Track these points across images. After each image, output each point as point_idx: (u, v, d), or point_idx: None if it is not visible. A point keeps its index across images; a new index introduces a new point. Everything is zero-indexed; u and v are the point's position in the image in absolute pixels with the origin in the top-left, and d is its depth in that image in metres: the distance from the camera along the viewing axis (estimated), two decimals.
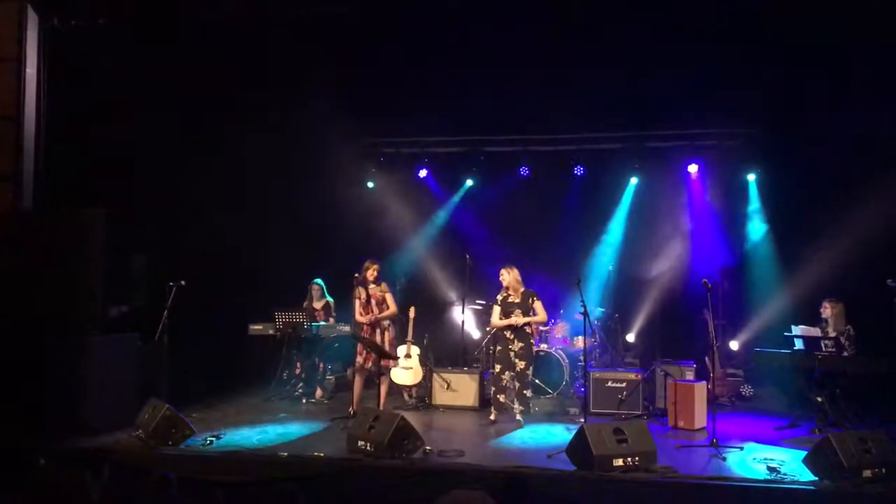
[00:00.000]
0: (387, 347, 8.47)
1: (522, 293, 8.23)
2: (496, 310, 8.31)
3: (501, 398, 8.17)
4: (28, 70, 8.23)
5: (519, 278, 8.25)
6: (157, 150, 9.30)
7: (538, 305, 8.19)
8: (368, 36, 8.91)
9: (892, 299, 7.16)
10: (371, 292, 8.55)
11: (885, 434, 6.06)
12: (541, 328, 10.17)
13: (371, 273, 8.56)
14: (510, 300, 8.24)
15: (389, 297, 8.64)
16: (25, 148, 8.23)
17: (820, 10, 7.95)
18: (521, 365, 8.11)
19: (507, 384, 8.14)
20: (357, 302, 8.56)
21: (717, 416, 7.24)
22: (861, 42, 8.16)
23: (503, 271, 8.27)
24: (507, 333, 8.19)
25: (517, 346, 8.13)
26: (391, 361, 8.62)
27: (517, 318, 8.10)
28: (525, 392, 8.19)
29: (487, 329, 9.01)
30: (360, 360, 8.40)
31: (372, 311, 8.48)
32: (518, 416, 8.08)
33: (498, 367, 8.19)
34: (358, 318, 8.57)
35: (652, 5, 8.39)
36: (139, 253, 9.14)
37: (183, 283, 8.11)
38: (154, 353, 7.99)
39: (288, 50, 8.74)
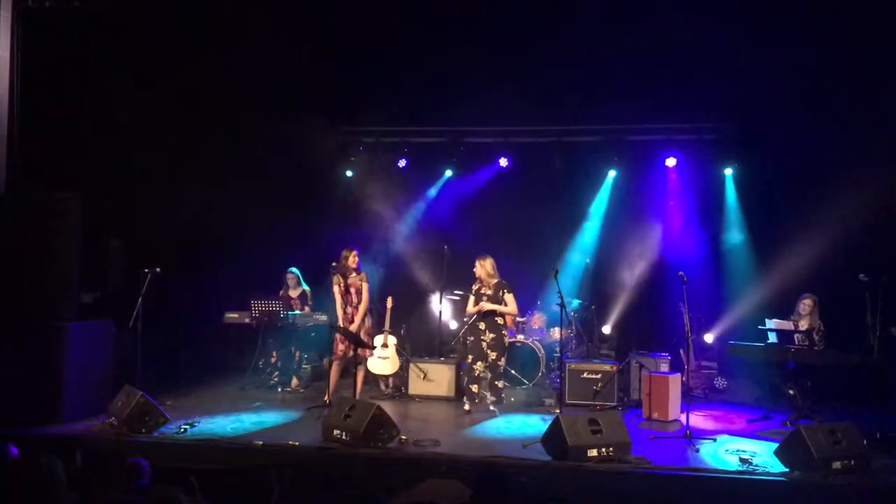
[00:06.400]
0: (364, 337, 8.44)
1: (495, 284, 8.25)
2: (470, 300, 8.39)
3: (475, 388, 8.20)
4: (1, 52, 8.08)
5: (490, 270, 8.27)
6: (134, 136, 9.19)
7: (509, 298, 8.21)
8: (347, 23, 8.86)
9: (864, 294, 7.24)
10: (351, 281, 8.50)
11: (855, 427, 6.14)
12: (517, 319, 10.21)
13: (352, 260, 8.51)
14: (482, 291, 8.29)
15: (366, 288, 8.57)
16: None
17: (800, 6, 8.03)
18: (492, 356, 8.14)
19: (481, 374, 8.17)
20: (337, 289, 8.49)
21: (691, 408, 7.31)
22: (841, 39, 8.24)
23: (476, 263, 8.34)
24: (480, 324, 8.23)
25: (489, 336, 8.17)
26: (367, 351, 8.60)
27: (483, 304, 8.16)
28: (497, 383, 8.23)
29: (464, 319, 9.02)
30: (342, 347, 8.39)
31: (351, 303, 8.46)
32: (492, 407, 8.12)
33: (470, 358, 8.26)
34: (341, 321, 8.39)
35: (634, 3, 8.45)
36: (114, 239, 9.05)
37: (158, 269, 8.03)
38: (128, 340, 7.91)
39: (267, 36, 8.67)
